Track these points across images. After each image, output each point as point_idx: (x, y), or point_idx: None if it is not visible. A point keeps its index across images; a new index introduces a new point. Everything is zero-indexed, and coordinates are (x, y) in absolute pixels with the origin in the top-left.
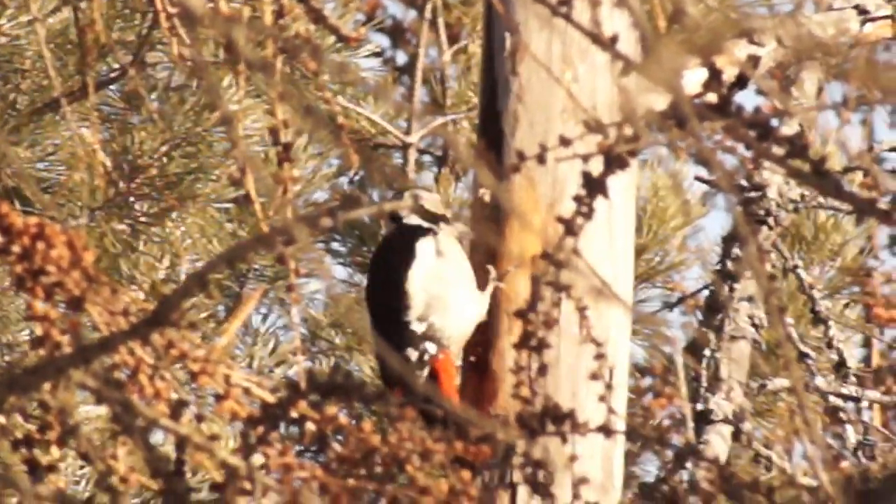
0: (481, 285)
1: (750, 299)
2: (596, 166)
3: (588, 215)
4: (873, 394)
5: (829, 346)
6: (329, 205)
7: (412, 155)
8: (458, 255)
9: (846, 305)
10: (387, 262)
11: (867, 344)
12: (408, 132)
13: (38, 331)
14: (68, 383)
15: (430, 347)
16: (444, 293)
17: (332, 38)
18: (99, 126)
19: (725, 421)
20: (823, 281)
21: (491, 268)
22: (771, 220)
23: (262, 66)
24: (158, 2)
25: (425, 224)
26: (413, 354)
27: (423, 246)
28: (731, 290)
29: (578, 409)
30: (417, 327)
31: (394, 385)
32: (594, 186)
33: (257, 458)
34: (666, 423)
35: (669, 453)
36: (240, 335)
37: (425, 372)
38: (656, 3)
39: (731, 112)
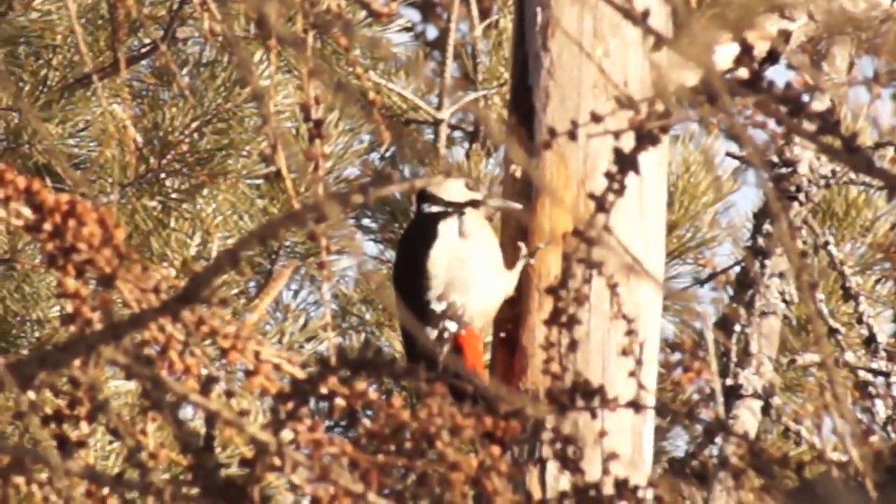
0: (511, 262)
1: (781, 275)
2: (627, 142)
3: (619, 191)
4: None
5: (860, 321)
6: (360, 181)
7: (443, 131)
8: (484, 235)
9: (877, 281)
10: (410, 242)
11: None
12: (439, 108)
13: (69, 308)
14: (98, 360)
15: (451, 326)
16: (466, 273)
17: (363, 13)
18: (130, 102)
19: (755, 396)
20: (854, 257)
21: (522, 244)
22: (802, 196)
23: (293, 42)
24: None
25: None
26: (432, 333)
27: (446, 226)
28: (762, 266)
29: (608, 384)
30: (437, 306)
31: (419, 360)
32: (625, 162)
33: (287, 434)
34: (695, 397)
35: (699, 428)
36: (271, 311)
37: (445, 349)
38: None
39: (763, 87)
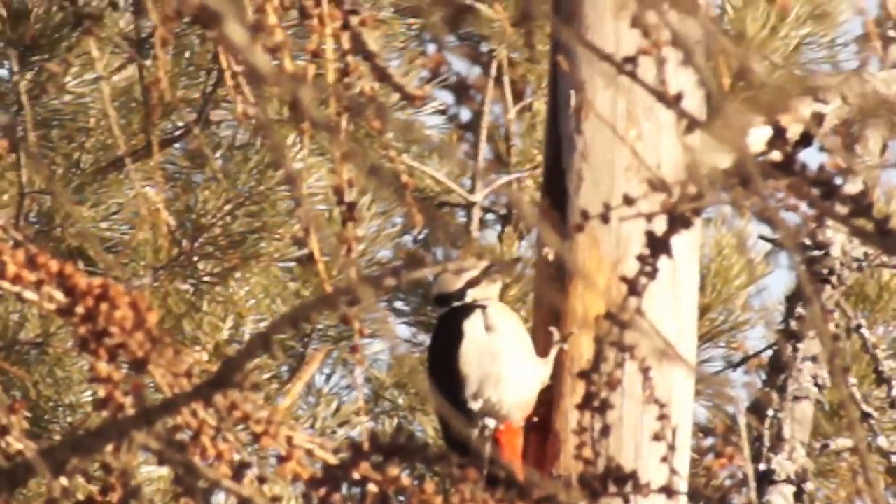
0: (545, 348)
1: (813, 359)
2: (660, 225)
3: (652, 275)
4: None
5: (893, 406)
6: (393, 264)
7: (476, 213)
8: (510, 326)
9: None
10: (438, 345)
11: None
12: (472, 190)
13: (102, 392)
14: (131, 445)
15: (490, 422)
16: (497, 367)
17: (396, 96)
18: (163, 185)
19: (788, 481)
20: (887, 341)
21: (554, 330)
22: (834, 279)
23: (326, 125)
24: (223, 60)
25: (477, 300)
26: (474, 433)
27: (471, 323)
28: (795, 349)
29: (641, 469)
30: (474, 405)
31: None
32: (658, 246)
33: None
34: (728, 483)
35: None
36: (303, 395)
37: (488, 447)
38: (721, 61)
39: (796, 170)
